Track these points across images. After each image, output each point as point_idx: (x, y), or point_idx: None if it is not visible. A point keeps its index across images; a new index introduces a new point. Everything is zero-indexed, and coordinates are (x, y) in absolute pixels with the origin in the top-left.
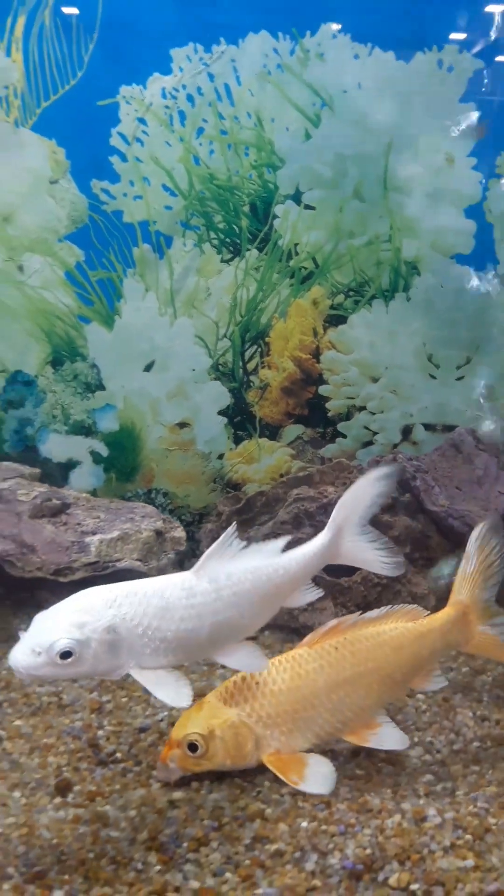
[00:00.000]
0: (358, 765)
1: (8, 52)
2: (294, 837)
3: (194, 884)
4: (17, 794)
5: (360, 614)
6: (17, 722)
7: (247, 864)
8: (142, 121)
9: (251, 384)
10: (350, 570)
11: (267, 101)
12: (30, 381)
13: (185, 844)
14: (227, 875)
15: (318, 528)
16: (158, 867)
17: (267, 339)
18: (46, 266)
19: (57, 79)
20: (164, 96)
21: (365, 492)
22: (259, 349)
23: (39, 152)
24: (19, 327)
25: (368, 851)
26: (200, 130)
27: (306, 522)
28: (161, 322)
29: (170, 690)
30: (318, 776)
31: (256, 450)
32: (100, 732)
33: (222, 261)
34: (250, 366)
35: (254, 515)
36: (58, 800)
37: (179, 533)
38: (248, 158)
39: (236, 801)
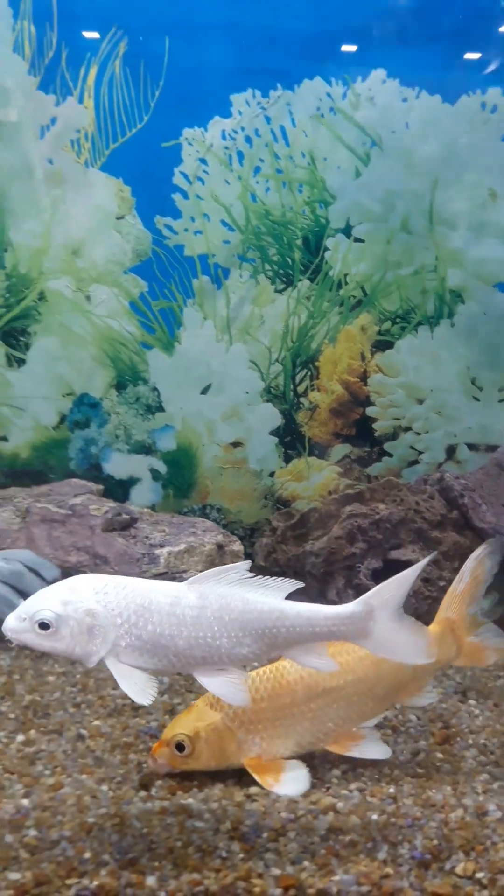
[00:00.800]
0: (419, 764)
1: (80, 99)
2: (366, 829)
3: (275, 871)
4: (104, 787)
5: None
6: (96, 722)
7: (322, 853)
8: (203, 161)
9: (301, 406)
10: None
11: (320, 141)
12: (95, 404)
13: (264, 835)
14: (305, 863)
15: (370, 543)
16: (241, 855)
17: (317, 364)
18: (112, 296)
19: (125, 122)
20: (223, 138)
21: (409, 579)
22: (309, 373)
23: (107, 191)
24: (87, 353)
25: (435, 842)
26: (257, 169)
27: (359, 538)
28: (217, 348)
29: (136, 686)
30: (291, 780)
31: (305, 468)
32: None
33: (276, 290)
34: (300, 388)
35: (307, 531)
36: (142, 793)
37: (238, 546)
38: (301, 195)
39: (309, 796)
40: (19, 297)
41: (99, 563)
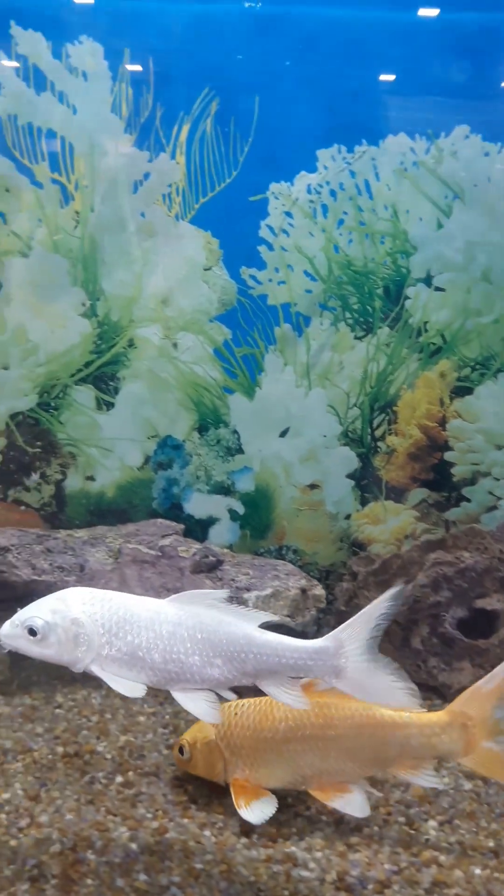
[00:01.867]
0: None
1: (173, 156)
2: (469, 883)
3: None
4: (207, 832)
5: None
6: None
7: None
8: (288, 214)
9: (379, 450)
10: (487, 632)
11: (403, 194)
12: (178, 445)
13: (370, 886)
14: None
15: (455, 591)
16: None
17: (395, 409)
18: (198, 343)
19: (214, 177)
20: (309, 192)
21: (372, 612)
22: (387, 417)
23: (196, 243)
24: (171, 397)
25: None
26: (341, 222)
27: (444, 586)
28: (297, 393)
29: (125, 684)
30: (259, 809)
31: (382, 511)
32: None
33: (355, 338)
34: (378, 432)
35: (389, 577)
36: (244, 839)
37: (320, 591)
38: (383, 246)
39: (409, 848)
40: (110, 344)
41: None
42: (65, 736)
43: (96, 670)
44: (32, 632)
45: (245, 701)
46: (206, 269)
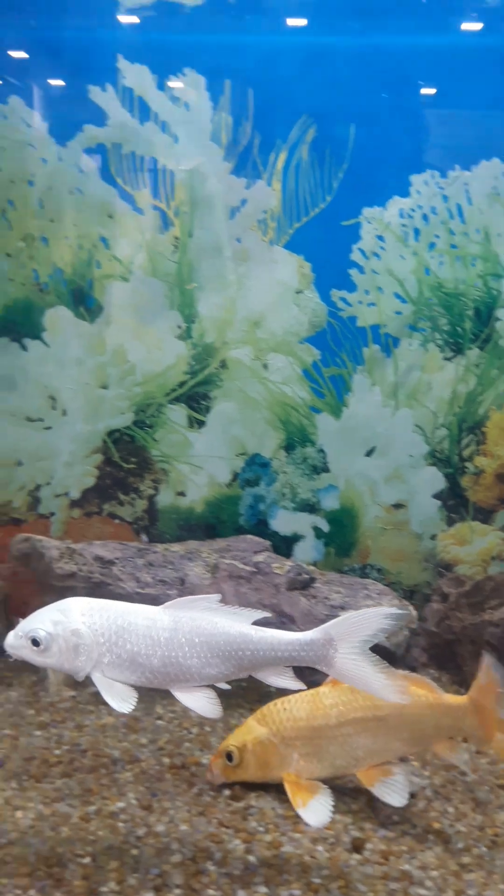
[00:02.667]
0: None
1: (269, 182)
2: None
3: None
4: (319, 847)
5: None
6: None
7: None
8: (380, 237)
9: (466, 470)
10: None
11: (495, 218)
12: (265, 463)
13: None
14: None
15: None
16: None
17: (484, 429)
18: (287, 364)
19: (309, 203)
20: (401, 216)
21: (371, 619)
22: (475, 438)
23: (289, 267)
24: (260, 416)
25: None
26: (432, 245)
27: None
28: (384, 412)
29: (116, 696)
30: (318, 808)
31: (469, 532)
32: (374, 795)
33: (444, 358)
34: (466, 453)
35: (483, 600)
36: (356, 856)
37: (412, 611)
38: (474, 269)
39: None
40: (203, 365)
41: (285, 622)
42: (168, 748)
43: (95, 678)
44: (35, 642)
45: (290, 697)
46: (297, 293)
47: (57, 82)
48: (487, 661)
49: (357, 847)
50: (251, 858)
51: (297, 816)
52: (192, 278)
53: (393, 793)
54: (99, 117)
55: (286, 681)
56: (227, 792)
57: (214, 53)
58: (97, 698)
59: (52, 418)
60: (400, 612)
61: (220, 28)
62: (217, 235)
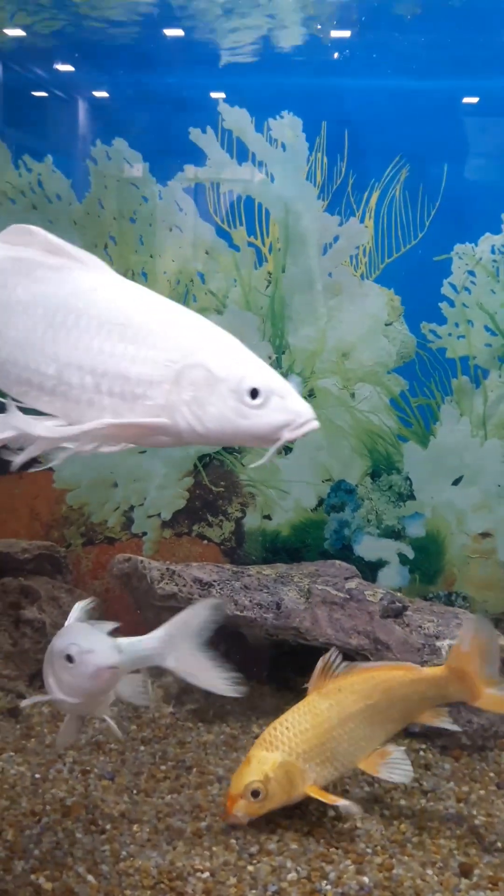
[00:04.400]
0: None
1: (362, 220)
2: None
3: None
4: (429, 871)
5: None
6: (403, 801)
7: None
8: (471, 272)
9: None
10: None
11: None
12: (351, 490)
13: None
14: None
15: None
16: None
17: None
18: (375, 394)
19: (400, 239)
20: (492, 252)
21: (197, 614)
22: None
23: (379, 300)
24: (347, 444)
25: None
26: None
27: None
28: (472, 443)
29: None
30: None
31: None
32: (475, 822)
33: None
34: None
35: None
36: (465, 880)
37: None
38: None
39: None
40: None
41: (381, 649)
42: None
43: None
44: (70, 659)
45: (285, 716)
46: (387, 325)
47: (160, 125)
48: (468, 627)
49: (465, 872)
50: (365, 879)
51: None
52: (285, 312)
53: (397, 770)
54: (199, 158)
55: (141, 696)
56: (330, 812)
57: (311, 95)
58: (196, 715)
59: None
60: (218, 601)
61: (316, 71)
62: (310, 270)
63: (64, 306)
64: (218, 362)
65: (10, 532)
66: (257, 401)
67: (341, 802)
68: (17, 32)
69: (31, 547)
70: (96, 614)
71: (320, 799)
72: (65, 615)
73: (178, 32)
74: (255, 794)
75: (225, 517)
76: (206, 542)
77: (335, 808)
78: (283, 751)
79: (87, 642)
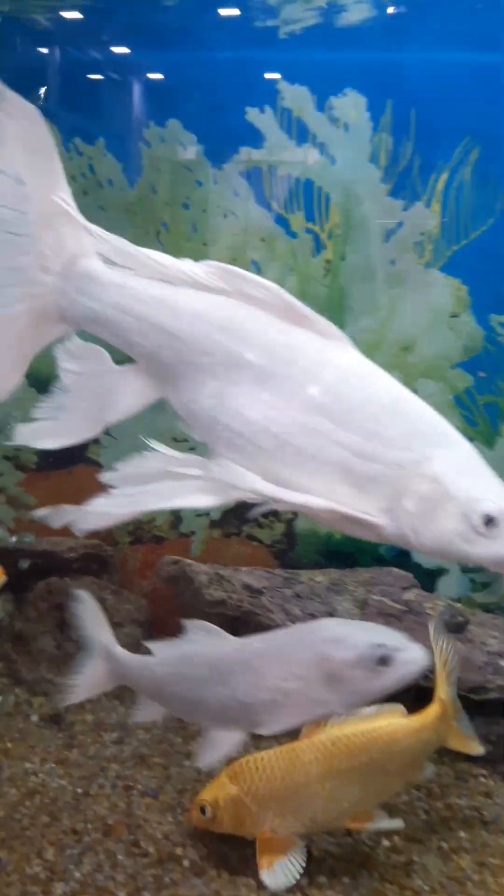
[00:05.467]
0: None
1: (428, 204)
2: None
3: None
4: None
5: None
6: (462, 833)
7: None
8: None
9: None
10: None
11: None
12: None
13: None
14: None
15: None
16: None
17: None
18: (438, 390)
19: (469, 225)
20: None
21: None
22: None
23: (444, 290)
24: None
25: None
26: None
27: None
28: None
29: None
30: (282, 872)
31: None
32: None
33: None
34: None
35: None
36: None
37: None
38: None
39: None
40: None
41: None
42: None
43: None
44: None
45: (263, 754)
46: (452, 317)
47: (215, 105)
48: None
49: None
50: None
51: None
52: (343, 302)
53: (386, 821)
54: (256, 139)
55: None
56: (385, 842)
57: (377, 72)
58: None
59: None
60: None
61: (383, 46)
62: (370, 258)
63: (289, 377)
64: (452, 477)
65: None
66: (490, 529)
67: (264, 874)
68: (74, 14)
69: (78, 545)
70: (144, 616)
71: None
72: (110, 618)
73: (234, 11)
74: (203, 811)
75: (276, 518)
76: (255, 543)
77: (390, 835)
78: (241, 788)
79: (389, 639)
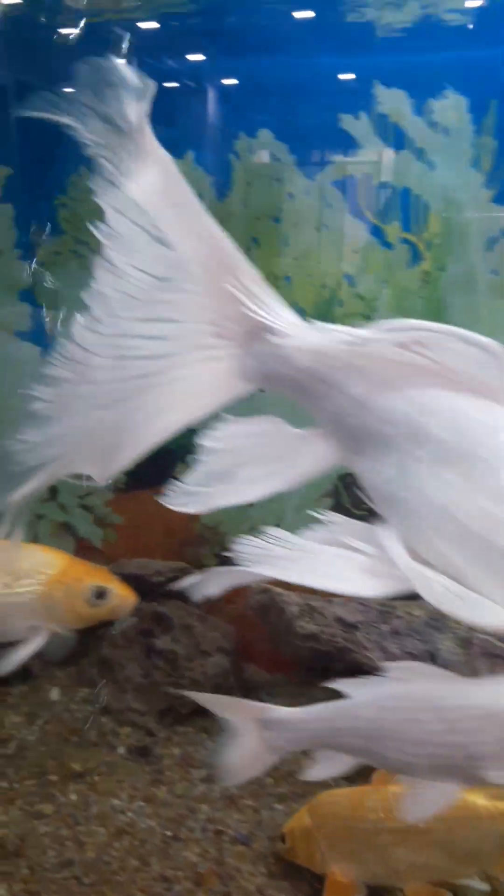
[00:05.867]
0: None
1: None
2: None
3: None
4: None
5: None
6: None
7: None
8: None
9: None
10: None
11: None
12: None
13: None
14: None
15: None
16: None
17: None
18: None
19: None
20: None
21: None
22: None
23: None
24: None
25: None
26: None
27: None
28: None
29: None
30: None
31: None
32: None
33: None
34: None
35: None
36: None
37: None
38: None
39: None
40: None
41: None
42: None
43: None
44: None
45: (340, 791)
46: None
47: (307, 112)
48: None
49: None
50: None
51: None
52: (442, 315)
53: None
54: (350, 147)
55: None
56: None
57: (478, 70)
58: None
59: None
60: None
61: (485, 41)
62: (472, 269)
63: (481, 458)
64: None
65: (143, 548)
66: None
67: None
68: (152, 25)
69: (165, 569)
70: (231, 645)
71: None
72: (197, 645)
73: (327, 15)
74: (283, 839)
75: None
76: None
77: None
78: (315, 822)
79: None
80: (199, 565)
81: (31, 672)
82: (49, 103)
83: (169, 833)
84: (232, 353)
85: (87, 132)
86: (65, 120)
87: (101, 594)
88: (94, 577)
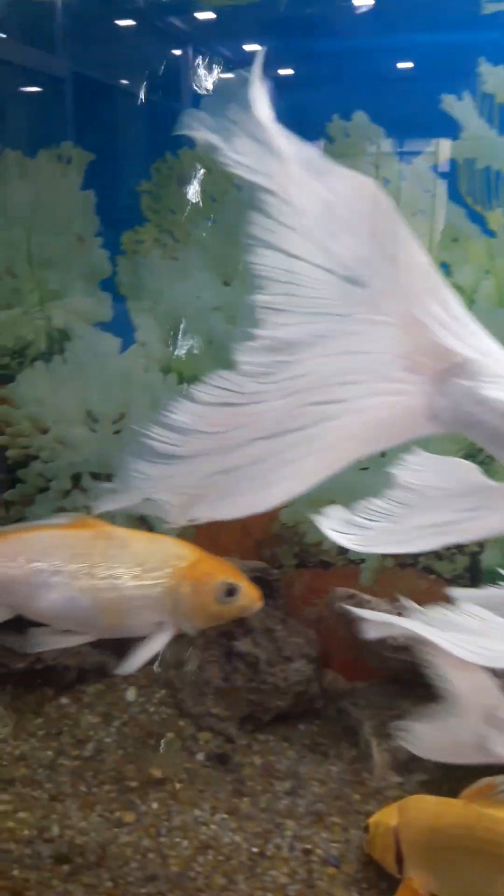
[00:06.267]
0: None
1: None
2: None
3: None
4: None
5: None
6: None
7: None
8: None
9: None
10: None
11: None
12: None
13: None
14: None
15: None
16: None
17: None
18: None
19: None
20: None
21: None
22: None
23: None
24: None
25: None
26: None
27: None
28: None
29: None
30: None
31: None
32: None
33: None
34: None
35: None
36: None
37: None
38: None
39: None
40: None
41: None
42: None
43: None
44: None
45: (430, 798)
46: None
47: (406, 93)
48: None
49: None
50: None
51: None
52: None
53: None
54: (452, 130)
55: None
56: None
57: None
58: (425, 787)
59: (371, 458)
60: None
61: None
62: None
63: None
64: None
65: (221, 547)
66: None
67: None
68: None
69: (244, 568)
70: (315, 651)
71: None
72: (279, 650)
73: None
74: (366, 829)
75: (459, 550)
76: (433, 576)
77: None
78: (400, 823)
79: None
80: (278, 565)
81: (107, 669)
82: (197, 121)
83: (255, 850)
84: (423, 389)
85: (236, 155)
86: (213, 139)
87: (231, 591)
88: (225, 573)
